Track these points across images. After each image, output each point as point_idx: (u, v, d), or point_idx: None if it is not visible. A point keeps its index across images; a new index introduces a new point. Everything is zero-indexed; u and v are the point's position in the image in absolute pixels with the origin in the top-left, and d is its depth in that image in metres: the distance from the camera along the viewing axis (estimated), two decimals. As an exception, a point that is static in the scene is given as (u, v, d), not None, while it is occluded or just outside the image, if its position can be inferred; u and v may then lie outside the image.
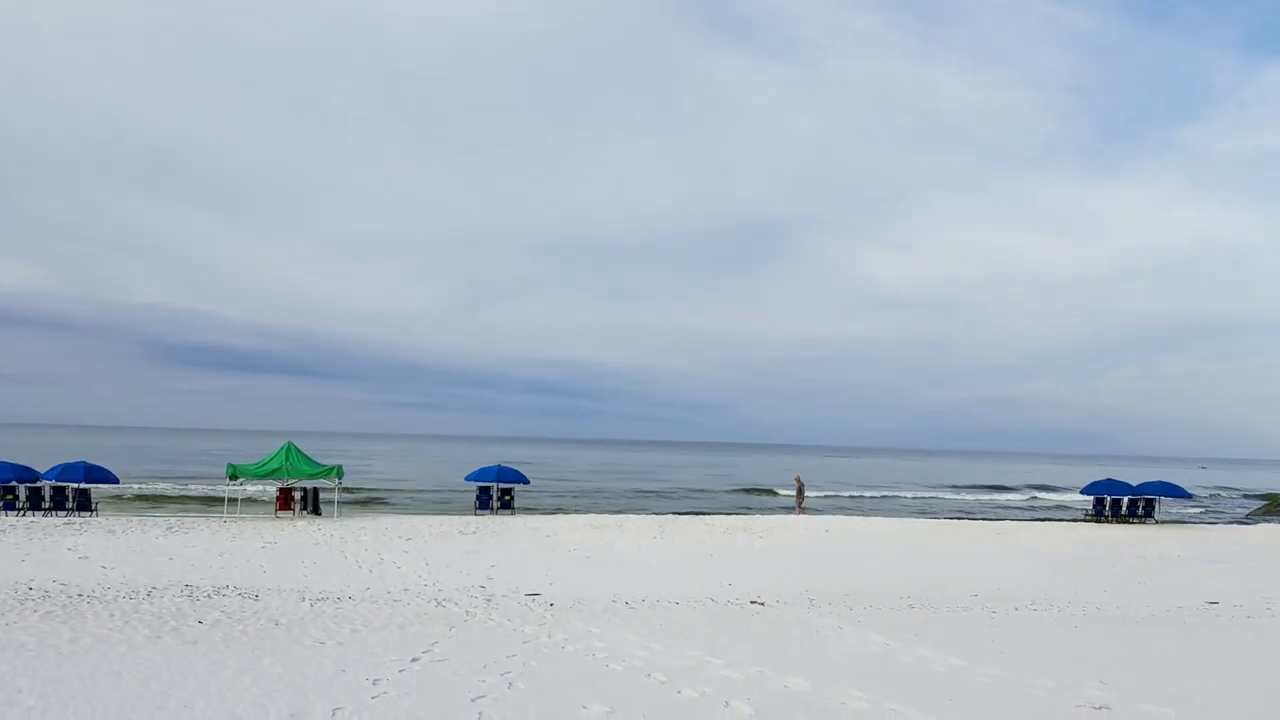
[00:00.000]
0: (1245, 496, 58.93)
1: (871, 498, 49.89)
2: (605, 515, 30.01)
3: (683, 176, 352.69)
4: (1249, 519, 38.95)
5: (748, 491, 51.82)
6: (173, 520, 25.24)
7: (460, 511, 30.93)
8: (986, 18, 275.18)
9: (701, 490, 51.60)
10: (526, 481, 31.62)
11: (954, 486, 63.36)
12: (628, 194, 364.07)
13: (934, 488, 61.70)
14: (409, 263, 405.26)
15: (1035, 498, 55.60)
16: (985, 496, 56.12)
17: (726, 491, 50.16)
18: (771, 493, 50.30)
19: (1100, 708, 7.72)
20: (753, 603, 13.89)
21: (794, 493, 35.32)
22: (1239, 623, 13.28)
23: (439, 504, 35.99)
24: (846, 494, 51.86)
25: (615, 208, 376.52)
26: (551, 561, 18.78)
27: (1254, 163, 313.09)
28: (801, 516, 30.12)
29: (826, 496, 47.87)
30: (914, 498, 52.09)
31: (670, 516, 29.55)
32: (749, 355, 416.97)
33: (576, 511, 32.32)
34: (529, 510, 31.46)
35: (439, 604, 13.02)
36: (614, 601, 13.60)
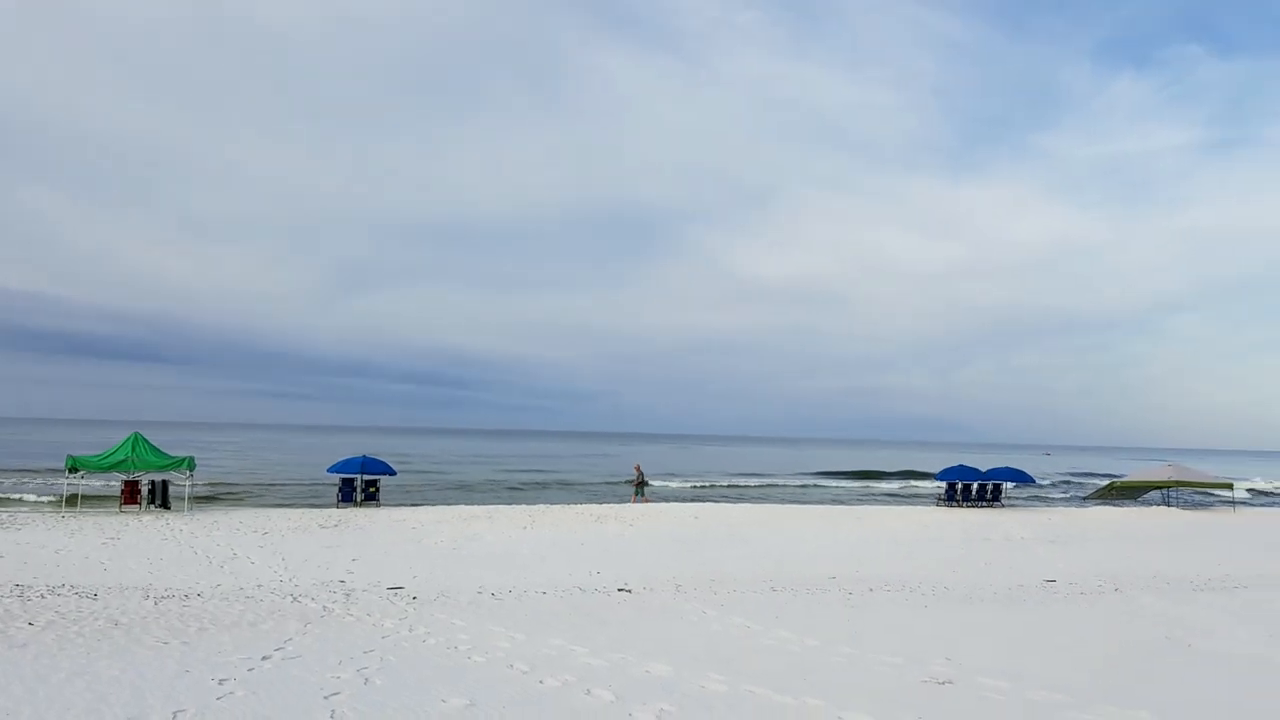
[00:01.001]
0: (1084, 481, 62.86)
1: (745, 486, 50.88)
2: (475, 507, 29.56)
3: (564, 165, 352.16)
4: (1086, 502, 41.56)
5: (624, 482, 52.08)
6: (3, 516, 23.49)
7: (322, 505, 29.92)
8: (859, 18, 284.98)
9: (577, 480, 51.51)
10: (392, 473, 30.81)
11: (825, 473, 65.27)
12: (509, 180, 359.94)
13: (807, 475, 63.39)
14: (273, 245, 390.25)
15: (908, 485, 57.99)
16: (857, 484, 58.12)
17: (602, 482, 50.13)
18: (645, 483, 50.75)
19: (944, 682, 8.08)
20: (620, 590, 13.95)
21: (634, 482, 34.38)
22: (1073, 599, 14.15)
23: (299, 497, 34.67)
24: (724, 483, 52.74)
25: (495, 193, 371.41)
26: (416, 554, 18.38)
27: (1103, 168, 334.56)
28: (645, 506, 30.05)
29: (702, 486, 48.56)
30: (787, 485, 53.40)
31: (542, 507, 29.32)
32: (630, 345, 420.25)
33: (446, 504, 31.70)
34: (396, 503, 30.70)
35: (295, 600, 12.55)
36: (480, 593, 13.42)
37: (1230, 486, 40.38)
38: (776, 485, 53.27)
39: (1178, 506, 37.28)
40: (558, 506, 29.68)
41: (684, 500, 35.92)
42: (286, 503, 32.10)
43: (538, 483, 48.90)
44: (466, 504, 31.62)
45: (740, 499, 39.09)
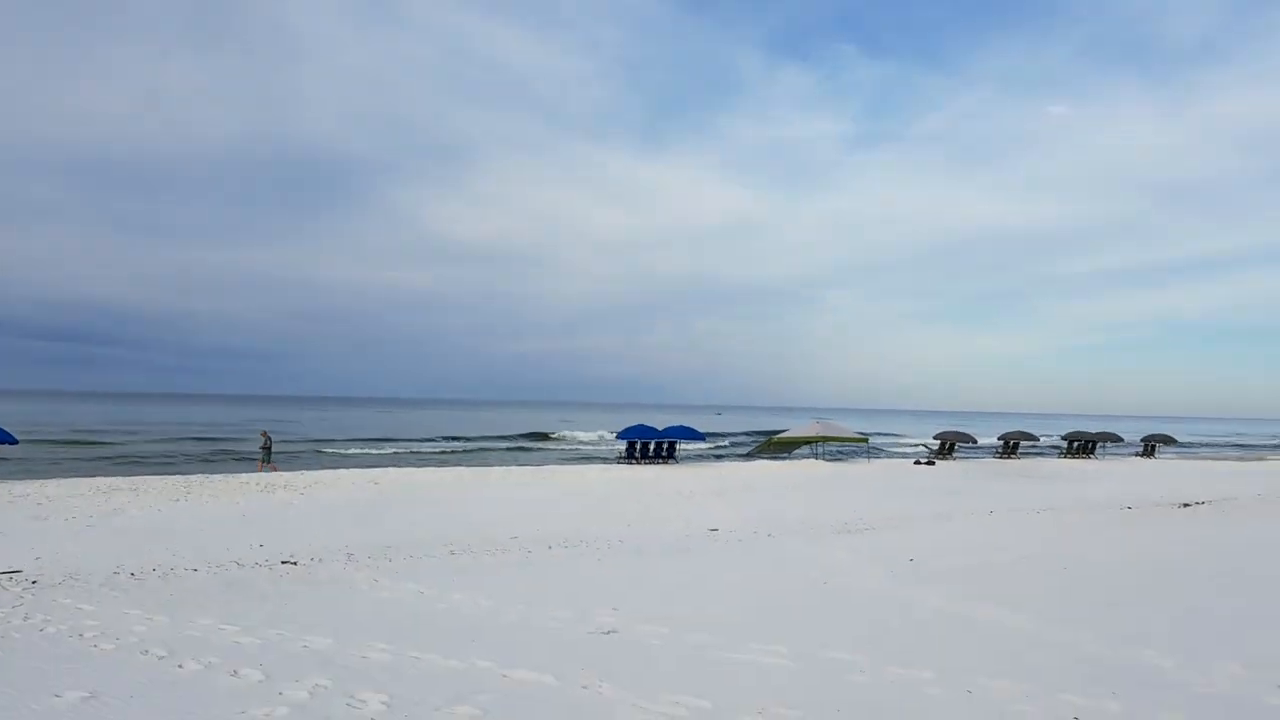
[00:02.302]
0: (749, 438, 68.44)
1: (433, 450, 49.98)
2: (117, 479, 26.49)
3: (236, 103, 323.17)
4: (749, 457, 45.28)
5: (298, 448, 49.04)
6: None
7: (-75, 481, 25.49)
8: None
9: (247, 449, 47.68)
10: (14, 441, 26.87)
11: (514, 435, 65.79)
12: (168, 115, 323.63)
13: (496, 437, 63.53)
14: None
15: (598, 442, 59.71)
16: (544, 444, 59.11)
17: (277, 450, 46.46)
18: (321, 450, 48.17)
19: (608, 632, 8.30)
20: (284, 563, 13.06)
21: (260, 448, 32.16)
22: (732, 546, 15.23)
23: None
24: (411, 447, 51.43)
25: (152, 129, 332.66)
26: (40, 532, 16.09)
27: (771, 151, 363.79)
28: (275, 474, 28.44)
29: (388, 452, 47.02)
30: (475, 448, 53.16)
31: (200, 477, 26.88)
32: (313, 302, 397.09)
33: (81, 475, 28.13)
34: (15, 476, 26.77)
35: None
36: (117, 574, 11.96)
37: (866, 440, 45.72)
38: (465, 448, 52.96)
39: (824, 459, 41.61)
40: (219, 477, 27.36)
41: (366, 466, 34.60)
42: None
43: (196, 453, 44.48)
44: (107, 476, 28.26)
45: (427, 463, 38.36)
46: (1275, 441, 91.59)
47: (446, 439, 59.93)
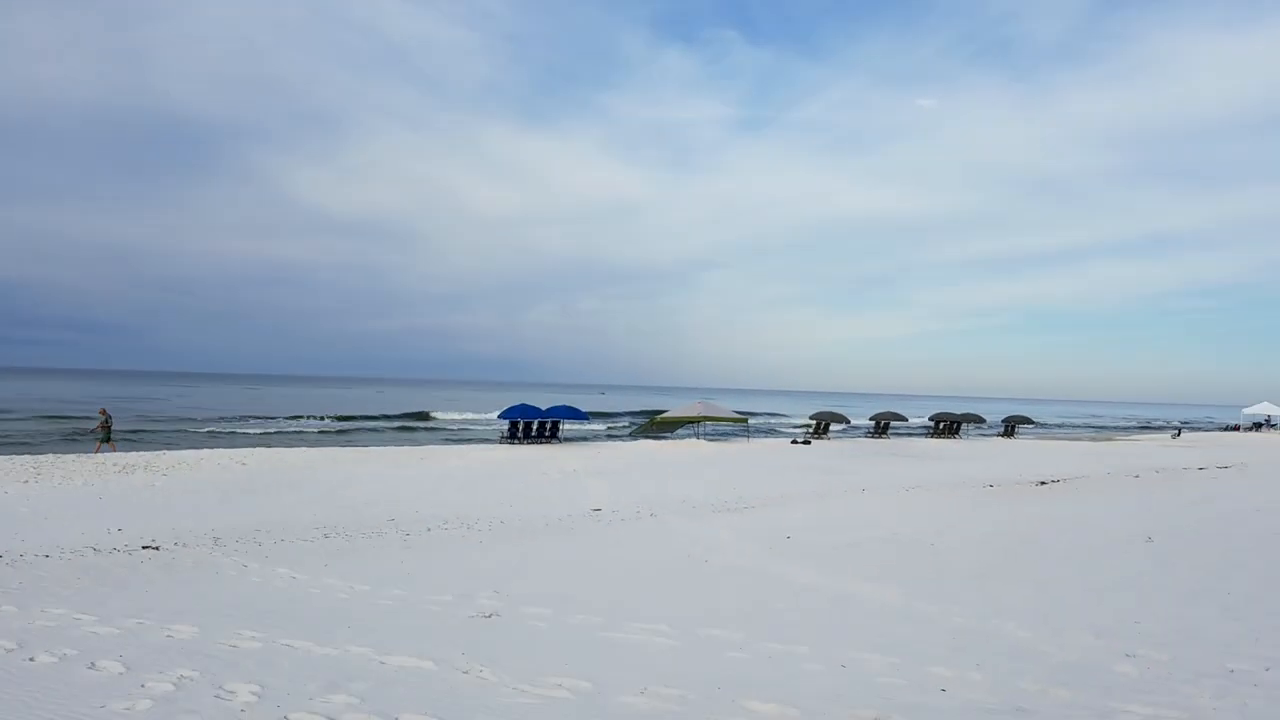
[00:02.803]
0: (632, 418, 68.87)
1: (305, 430, 48.37)
2: (-40, 460, 24.69)
3: (87, 61, 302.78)
4: (632, 436, 45.57)
5: (158, 427, 46.71)
6: None
7: None
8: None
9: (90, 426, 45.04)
10: None
11: (392, 416, 64.20)
12: (12, 71, 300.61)
13: (372, 417, 61.88)
14: None
15: (476, 422, 58.98)
16: (423, 424, 58.01)
17: (131, 429, 43.92)
18: (183, 429, 46.00)
19: (490, 615, 8.20)
20: (145, 548, 12.41)
21: (98, 426, 29.34)
22: (615, 525, 15.30)
23: None
24: (281, 427, 49.64)
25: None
26: None
27: (655, 132, 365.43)
28: (114, 454, 26.84)
29: (258, 433, 45.23)
30: (349, 428, 51.74)
31: (52, 456, 25.28)
32: (173, 273, 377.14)
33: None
34: None
35: None
36: (-45, 562, 11.14)
37: (746, 420, 46.64)
38: (339, 428, 51.52)
39: (706, 439, 42.23)
40: (72, 457, 25.79)
41: (232, 446, 33.18)
42: None
43: (45, 431, 41.63)
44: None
45: (298, 443, 37.11)
46: (1124, 423, 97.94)
47: (319, 418, 58.07)
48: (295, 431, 46.66)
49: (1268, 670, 5.87)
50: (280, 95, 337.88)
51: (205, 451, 28.05)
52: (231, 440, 38.13)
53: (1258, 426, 71.22)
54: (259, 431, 45.21)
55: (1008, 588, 9.30)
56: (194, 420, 51.93)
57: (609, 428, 57.13)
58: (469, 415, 65.42)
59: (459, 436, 46.98)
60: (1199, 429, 73.70)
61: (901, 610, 8.32)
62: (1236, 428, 71.91)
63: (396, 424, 57.67)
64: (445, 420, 62.90)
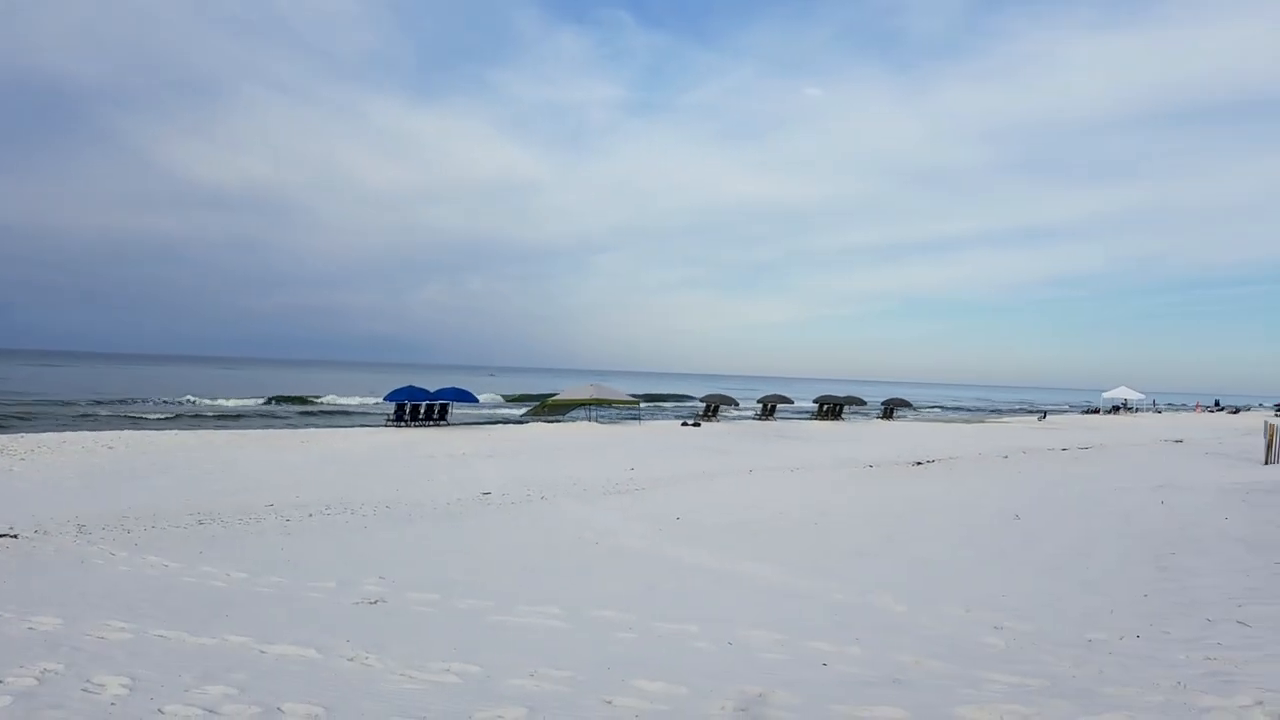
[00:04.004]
0: (524, 400, 68.41)
1: (174, 415, 46.25)
2: None
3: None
4: (521, 419, 45.29)
5: (16, 409, 43.88)
6: None
7: None
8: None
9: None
10: None
11: (271, 398, 61.88)
12: None
13: (250, 398, 59.57)
14: None
15: (362, 404, 57.45)
16: (302, 407, 56.20)
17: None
18: (44, 411, 43.38)
19: (375, 602, 8.05)
20: (2, 536, 11.70)
21: None
22: (505, 508, 15.20)
23: None
24: (149, 409, 47.33)
25: None
26: None
27: (548, 112, 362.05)
28: (40, 436, 25.28)
29: (127, 415, 43.01)
30: (227, 411, 49.72)
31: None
32: (31, 246, 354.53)
33: None
34: None
35: None
36: None
37: (638, 404, 46.95)
38: (215, 410, 49.52)
39: (598, 422, 42.33)
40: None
41: (98, 428, 31.51)
42: None
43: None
44: None
45: (170, 425, 35.52)
46: (994, 406, 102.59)
47: (193, 400, 55.62)
48: (168, 414, 44.53)
49: (1122, 639, 6.27)
50: (152, 60, 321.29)
51: (68, 434, 26.54)
52: (97, 423, 36.21)
53: (1116, 409, 75.77)
54: (129, 414, 42.97)
55: (885, 564, 9.66)
56: (56, 402, 49.06)
57: (500, 411, 56.61)
58: (355, 400, 63.70)
59: (343, 419, 45.77)
60: (1063, 412, 77.87)
61: (786, 588, 8.54)
62: (1097, 411, 76.33)
63: (277, 406, 55.77)
64: (329, 403, 61.12)
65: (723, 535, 11.93)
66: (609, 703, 5.13)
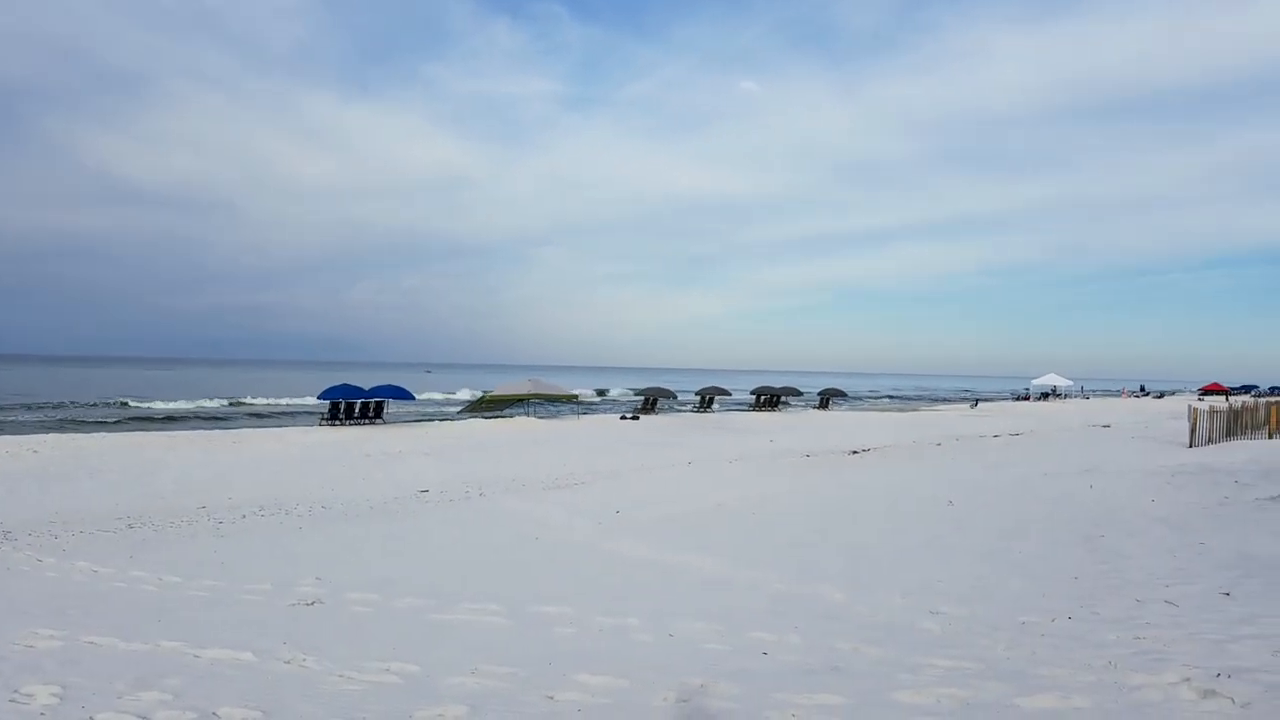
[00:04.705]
0: (459, 396, 67.78)
1: (102, 419, 44.88)
2: None
3: None
4: (459, 416, 44.88)
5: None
6: None
7: None
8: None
9: None
10: None
11: (202, 397, 60.35)
12: None
13: (179, 399, 57.95)
14: None
15: (292, 404, 56.34)
16: (234, 408, 54.93)
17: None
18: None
19: (312, 603, 7.95)
20: (-83, 546, 11.28)
21: None
22: (444, 506, 15.10)
23: None
24: (75, 413, 45.83)
25: None
26: None
27: (484, 106, 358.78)
28: None
29: (52, 419, 41.61)
30: (156, 413, 48.36)
31: None
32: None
33: None
34: None
35: None
36: None
37: (577, 398, 46.90)
38: (143, 413, 48.16)
39: (536, 417, 42.18)
40: None
41: (22, 433, 30.47)
42: None
43: None
44: None
45: (98, 428, 34.47)
46: (927, 395, 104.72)
47: (121, 403, 53.99)
48: (95, 417, 43.17)
49: (1053, 621, 6.49)
50: (75, 53, 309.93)
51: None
52: (20, 427, 34.98)
53: (1045, 396, 77.93)
54: (53, 418, 41.55)
55: (823, 553, 9.83)
56: (-28, 405, 47.26)
57: (436, 407, 56.05)
58: (288, 400, 62.41)
59: (276, 419, 44.87)
60: (994, 399, 79.82)
61: (725, 579, 8.65)
62: (1026, 397, 78.43)
63: (207, 406, 54.44)
64: (262, 404, 59.82)
65: (663, 528, 12.02)
66: (551, 698, 5.16)
